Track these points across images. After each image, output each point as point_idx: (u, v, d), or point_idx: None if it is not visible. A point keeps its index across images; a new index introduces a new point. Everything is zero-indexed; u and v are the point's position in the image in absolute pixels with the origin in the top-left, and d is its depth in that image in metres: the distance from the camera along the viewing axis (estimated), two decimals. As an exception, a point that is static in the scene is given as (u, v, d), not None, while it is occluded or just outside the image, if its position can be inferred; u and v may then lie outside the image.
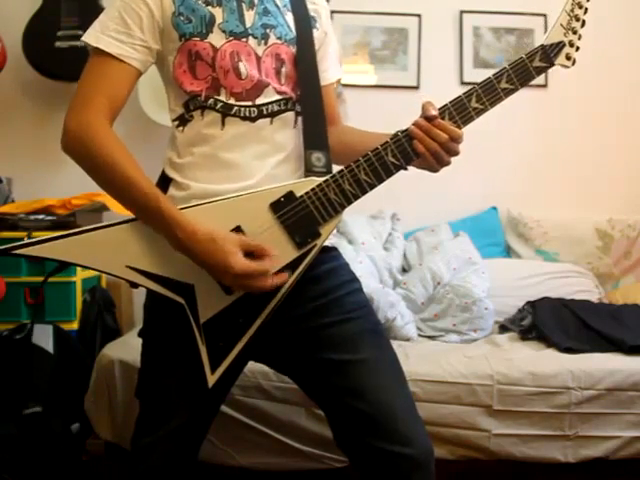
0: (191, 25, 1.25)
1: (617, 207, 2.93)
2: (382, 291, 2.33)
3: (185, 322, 1.23)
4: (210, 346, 1.23)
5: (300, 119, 1.33)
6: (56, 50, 2.57)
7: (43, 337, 2.13)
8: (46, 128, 2.70)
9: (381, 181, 1.24)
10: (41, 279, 2.13)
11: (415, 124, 1.23)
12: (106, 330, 2.39)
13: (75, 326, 2.30)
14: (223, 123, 1.27)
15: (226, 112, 1.26)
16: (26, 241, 1.21)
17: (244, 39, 1.27)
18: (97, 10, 2.40)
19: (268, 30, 1.30)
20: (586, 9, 1.26)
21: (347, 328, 1.30)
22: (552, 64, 1.26)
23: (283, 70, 1.31)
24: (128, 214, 1.24)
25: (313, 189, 1.23)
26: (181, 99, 1.29)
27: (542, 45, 1.25)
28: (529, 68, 1.24)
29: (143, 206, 1.19)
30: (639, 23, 3.01)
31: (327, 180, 1.24)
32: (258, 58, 1.28)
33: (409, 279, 2.52)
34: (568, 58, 1.26)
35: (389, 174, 1.24)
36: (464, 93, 1.23)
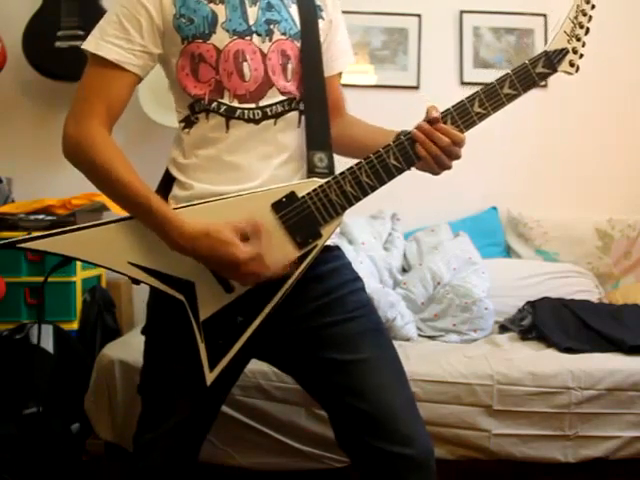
0: (193, 26, 1.24)
1: (617, 207, 2.93)
2: (382, 291, 2.33)
3: (186, 319, 1.24)
4: (209, 344, 1.24)
5: (304, 118, 1.33)
6: (56, 50, 2.56)
7: (43, 337, 2.13)
8: (46, 128, 2.70)
9: (383, 183, 1.24)
10: (41, 279, 2.13)
11: (418, 128, 1.23)
12: (106, 330, 2.40)
13: (75, 326, 2.30)
14: (227, 126, 1.27)
15: (230, 115, 1.26)
16: (31, 236, 1.22)
17: (248, 37, 1.26)
18: (97, 10, 2.38)
19: (272, 26, 1.29)
20: (590, 17, 1.26)
21: (349, 327, 1.30)
22: (555, 71, 1.26)
23: (289, 66, 1.30)
24: (127, 214, 1.25)
25: (315, 190, 1.23)
26: (186, 102, 1.29)
27: (545, 51, 1.26)
28: (532, 74, 1.24)
29: (136, 207, 1.20)
30: (639, 24, 3.01)
31: (329, 181, 1.24)
32: (264, 55, 1.28)
33: (409, 279, 2.52)
34: (572, 65, 1.26)
35: (391, 177, 1.24)
36: (467, 97, 1.24)
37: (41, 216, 2.37)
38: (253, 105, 1.27)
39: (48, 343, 2.14)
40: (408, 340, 2.31)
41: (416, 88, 2.93)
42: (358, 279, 1.39)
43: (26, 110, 2.81)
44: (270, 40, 1.28)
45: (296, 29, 1.32)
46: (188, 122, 1.30)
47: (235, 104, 1.26)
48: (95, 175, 1.22)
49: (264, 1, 1.29)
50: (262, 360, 1.44)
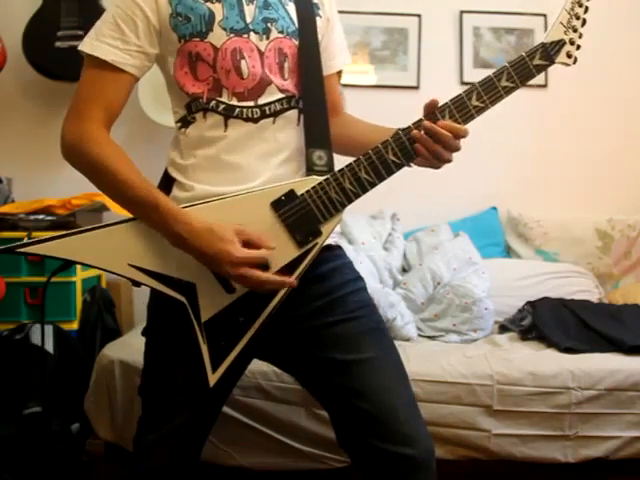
0: (190, 25, 1.24)
1: (617, 207, 2.93)
2: (382, 291, 2.33)
3: (187, 321, 1.24)
4: (211, 345, 1.24)
5: (302, 116, 1.33)
6: (56, 50, 2.56)
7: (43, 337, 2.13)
8: (46, 128, 2.70)
9: (382, 179, 1.24)
10: (41, 279, 2.14)
11: (418, 126, 1.22)
12: (106, 330, 2.39)
13: (75, 326, 2.30)
14: (226, 125, 1.26)
15: (229, 114, 1.26)
16: (30, 240, 1.22)
17: (245, 35, 1.26)
18: (97, 10, 2.38)
19: (269, 24, 1.29)
20: (586, 8, 1.26)
21: (350, 327, 1.30)
22: (552, 62, 1.26)
23: (286, 65, 1.30)
24: (127, 214, 1.25)
25: (314, 187, 1.23)
26: (183, 101, 1.29)
27: (542, 43, 1.25)
28: (529, 66, 1.24)
29: (141, 205, 1.20)
30: (639, 22, 3.01)
31: (328, 178, 1.24)
32: (261, 53, 1.27)
33: (409, 279, 2.52)
34: (569, 56, 1.26)
35: (390, 172, 1.24)
36: (464, 91, 1.23)
37: (41, 216, 2.37)
38: (252, 103, 1.27)
39: (48, 343, 2.14)
40: (408, 340, 2.31)
41: (416, 88, 2.93)
42: (360, 278, 1.38)
43: (26, 110, 2.81)
44: (267, 38, 1.28)
45: (294, 27, 1.31)
46: (185, 122, 1.29)
47: (234, 102, 1.26)
48: (96, 175, 1.22)
49: None
50: (263, 360, 1.44)
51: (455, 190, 2.84)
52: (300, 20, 1.32)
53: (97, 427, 1.97)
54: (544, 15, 2.91)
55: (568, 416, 1.94)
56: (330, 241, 1.32)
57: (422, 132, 1.22)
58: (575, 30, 1.26)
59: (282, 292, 1.24)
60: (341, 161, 1.30)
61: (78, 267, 2.31)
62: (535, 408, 1.93)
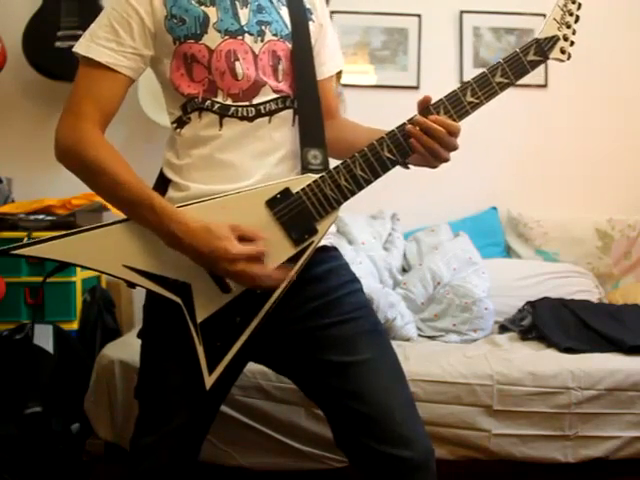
0: (185, 27, 1.24)
1: (617, 207, 2.93)
2: (382, 291, 2.33)
3: (183, 322, 1.23)
4: (207, 346, 1.23)
5: (298, 117, 1.33)
6: (56, 50, 2.56)
7: (43, 337, 2.13)
8: (46, 128, 2.68)
9: (377, 176, 1.23)
10: (41, 279, 2.13)
11: (412, 122, 1.22)
12: (106, 330, 2.39)
13: (75, 326, 2.30)
14: (221, 124, 1.26)
15: (224, 113, 1.26)
16: (25, 242, 1.22)
17: (240, 37, 1.27)
18: (97, 10, 2.39)
19: (263, 27, 1.29)
20: (579, 4, 1.26)
21: (347, 329, 1.29)
22: (547, 58, 1.26)
23: (280, 67, 1.30)
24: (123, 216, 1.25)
25: (309, 185, 1.23)
26: (178, 102, 1.29)
27: (536, 39, 1.25)
28: (523, 62, 1.24)
29: (136, 205, 1.19)
30: (639, 23, 3.01)
31: (323, 176, 1.23)
32: (255, 56, 1.28)
33: (409, 279, 2.52)
34: (563, 52, 1.26)
35: (385, 169, 1.23)
36: (459, 87, 1.23)
37: (41, 216, 2.37)
38: (246, 103, 1.27)
39: (48, 343, 2.14)
40: (408, 340, 2.31)
41: (416, 88, 2.93)
42: (356, 280, 1.38)
43: (26, 110, 2.81)
44: (262, 40, 1.28)
45: (287, 30, 1.32)
46: (180, 122, 1.29)
47: (229, 102, 1.26)
48: (92, 177, 1.22)
49: (255, 3, 1.30)
50: (259, 363, 1.43)
51: (455, 190, 2.84)
52: (293, 24, 1.33)
53: (97, 427, 1.98)
54: (544, 15, 2.86)
55: (568, 416, 1.94)
56: (326, 242, 1.31)
57: (417, 127, 1.21)
58: (569, 26, 1.26)
59: (278, 292, 1.23)
60: (335, 164, 1.30)
61: (83, 269, 2.31)
62: (535, 408, 1.93)
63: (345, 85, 2.77)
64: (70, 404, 2.11)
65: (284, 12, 1.33)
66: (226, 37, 1.26)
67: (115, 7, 1.23)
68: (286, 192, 1.23)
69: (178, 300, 1.23)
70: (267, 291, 1.23)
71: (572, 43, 1.27)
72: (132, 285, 1.24)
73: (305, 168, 1.28)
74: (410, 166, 1.30)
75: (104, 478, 2.07)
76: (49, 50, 2.58)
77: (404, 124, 1.23)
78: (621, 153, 3.02)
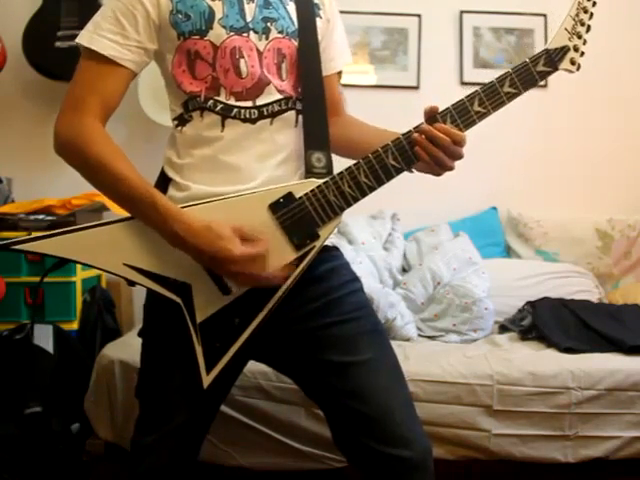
0: (190, 23, 1.23)
1: (617, 207, 2.93)
2: (382, 291, 2.33)
3: (183, 322, 1.23)
4: (206, 346, 1.23)
5: (301, 118, 1.32)
6: (56, 50, 2.57)
7: (43, 337, 2.13)
8: (46, 128, 2.67)
9: (381, 184, 1.23)
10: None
11: (417, 130, 1.22)
12: (106, 330, 2.39)
13: (75, 326, 2.30)
14: (223, 125, 1.26)
15: (226, 114, 1.25)
16: (26, 237, 1.21)
17: (245, 34, 1.25)
18: (97, 10, 2.38)
19: (269, 24, 1.28)
20: (591, 14, 1.25)
21: (347, 329, 1.29)
22: (556, 69, 1.25)
23: (284, 65, 1.29)
24: (127, 214, 1.24)
25: (312, 190, 1.22)
26: (180, 99, 1.28)
27: (546, 49, 1.25)
28: (533, 72, 1.23)
29: (138, 203, 1.18)
30: (639, 22, 3.01)
31: (327, 182, 1.23)
32: (260, 53, 1.27)
33: (409, 279, 2.52)
34: (572, 63, 1.25)
35: (389, 177, 1.23)
36: (467, 96, 1.22)
37: (41, 216, 2.37)
38: (250, 103, 1.26)
39: (48, 343, 2.14)
40: (408, 340, 2.31)
41: (416, 88, 2.93)
42: (356, 280, 1.38)
43: (26, 110, 2.81)
44: (267, 38, 1.27)
45: (293, 27, 1.31)
46: (182, 120, 1.28)
47: (232, 102, 1.25)
48: (93, 173, 1.21)
49: None
50: (259, 361, 1.43)
51: (455, 190, 2.83)
52: (300, 20, 1.31)
53: (97, 427, 1.98)
54: (544, 15, 2.91)
55: (568, 416, 1.94)
56: (327, 242, 1.31)
57: (423, 136, 1.21)
58: (580, 37, 1.25)
59: (278, 294, 1.23)
60: (341, 163, 1.30)
61: (78, 267, 2.31)
62: (535, 408, 1.93)
63: (345, 85, 2.76)
64: (70, 404, 2.11)
65: (291, 8, 1.32)
66: (231, 33, 1.24)
67: None
68: (289, 197, 1.22)
69: (178, 300, 1.23)
70: (268, 292, 1.23)
71: (582, 54, 1.26)
72: (132, 283, 1.24)
73: (309, 171, 1.27)
74: (413, 171, 1.29)
75: (104, 478, 2.07)
76: (49, 50, 2.58)
77: (410, 132, 1.22)
78: (621, 153, 3.02)
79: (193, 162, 1.28)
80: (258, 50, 1.27)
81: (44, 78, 2.65)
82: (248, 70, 1.25)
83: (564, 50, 1.25)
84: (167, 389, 1.31)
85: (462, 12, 2.95)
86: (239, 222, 1.20)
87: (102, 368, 1.96)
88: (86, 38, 1.22)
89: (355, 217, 2.64)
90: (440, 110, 1.22)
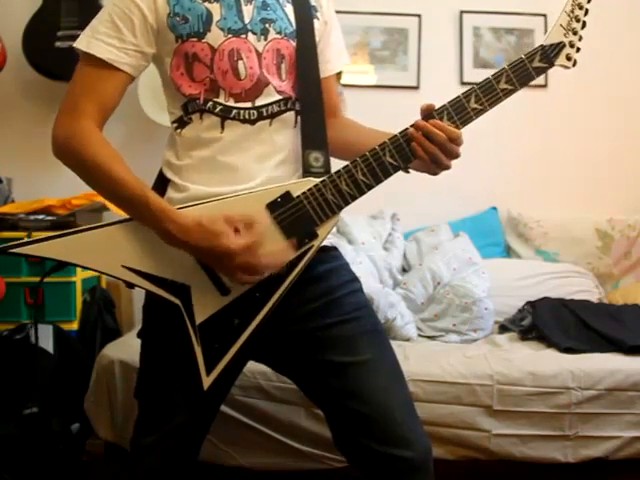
0: (187, 25, 1.23)
1: (617, 207, 2.93)
2: (382, 291, 2.33)
3: (182, 323, 1.23)
4: (206, 348, 1.23)
5: (299, 118, 1.32)
6: (56, 50, 2.56)
7: (43, 337, 2.13)
8: (46, 128, 2.66)
9: (379, 182, 1.23)
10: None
11: (414, 126, 1.22)
12: (106, 330, 2.39)
13: (75, 326, 2.30)
14: (222, 126, 1.26)
15: (225, 116, 1.25)
16: (23, 240, 1.21)
17: (243, 35, 1.26)
18: (97, 10, 2.34)
19: (267, 25, 1.28)
20: (587, 10, 1.25)
21: (347, 329, 1.29)
22: (552, 65, 1.25)
23: (283, 66, 1.29)
24: (126, 215, 1.25)
25: (310, 189, 1.22)
26: (179, 102, 1.28)
27: (542, 45, 1.25)
28: (529, 69, 1.23)
29: (132, 203, 1.19)
30: (639, 23, 3.01)
31: (324, 180, 1.23)
32: (259, 54, 1.27)
33: (409, 279, 2.52)
34: (568, 59, 1.25)
35: (387, 175, 1.23)
36: (463, 93, 1.23)
37: (41, 216, 2.37)
38: (249, 104, 1.26)
39: (48, 343, 2.14)
40: (408, 340, 2.31)
41: (416, 88, 2.93)
42: (356, 280, 1.38)
43: (26, 110, 2.81)
44: (265, 39, 1.28)
45: (291, 28, 1.31)
46: (181, 122, 1.29)
47: (231, 103, 1.26)
48: (89, 173, 1.21)
49: (259, 0, 1.29)
50: (259, 362, 1.43)
51: (455, 190, 2.84)
52: (298, 22, 1.32)
53: (97, 427, 1.98)
54: (544, 15, 2.91)
55: (568, 416, 1.94)
56: (326, 242, 1.31)
57: (419, 132, 1.21)
58: (575, 32, 1.25)
59: (277, 295, 1.23)
60: (339, 163, 1.30)
61: (82, 268, 2.31)
62: (535, 408, 1.93)
63: (345, 85, 2.76)
64: (70, 404, 2.11)
65: (289, 9, 1.32)
66: (229, 35, 1.25)
67: (117, 3, 1.22)
68: (287, 196, 1.22)
69: (177, 301, 1.23)
70: (268, 294, 1.23)
71: (578, 49, 1.26)
72: (131, 285, 1.24)
73: (307, 170, 1.27)
74: (409, 171, 1.29)
75: (104, 478, 2.07)
76: (49, 50, 2.58)
77: (407, 129, 1.23)
78: (621, 153, 3.02)
79: (192, 163, 1.28)
80: (257, 51, 1.27)
81: (44, 78, 2.65)
82: (247, 71, 1.25)
83: (560, 46, 1.25)
84: (166, 390, 1.31)
85: (462, 12, 2.95)
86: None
87: (102, 368, 1.96)
88: (84, 42, 1.23)
89: (355, 217, 2.64)
90: (437, 107, 1.23)
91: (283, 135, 1.30)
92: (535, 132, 2.98)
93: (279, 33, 1.29)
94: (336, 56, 1.43)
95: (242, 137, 1.26)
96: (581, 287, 2.65)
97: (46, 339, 2.14)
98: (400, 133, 1.23)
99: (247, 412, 1.90)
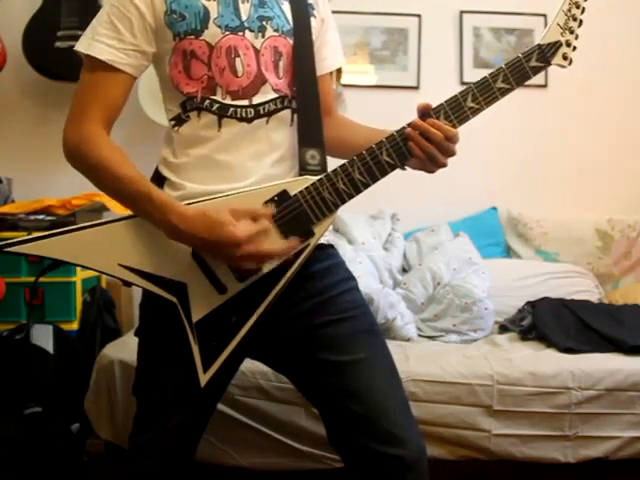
0: (185, 23, 1.23)
1: (617, 207, 2.93)
2: (382, 291, 2.33)
3: (179, 321, 1.23)
4: (202, 345, 1.23)
5: (296, 116, 1.32)
6: (56, 50, 2.56)
7: (43, 337, 2.13)
8: (46, 128, 2.69)
9: (375, 180, 1.23)
10: (41, 279, 2.13)
11: (410, 125, 1.22)
12: (106, 330, 2.40)
13: (75, 326, 2.30)
14: (219, 125, 1.26)
15: (222, 114, 1.26)
16: (19, 239, 1.21)
17: (240, 33, 1.26)
18: (97, 10, 2.34)
19: (264, 22, 1.28)
20: (583, 9, 1.26)
21: (343, 328, 1.30)
22: (549, 64, 1.25)
23: (281, 63, 1.30)
24: (127, 213, 1.25)
25: (307, 188, 1.23)
26: (177, 100, 1.28)
27: (539, 45, 1.25)
28: (525, 68, 1.24)
29: (136, 199, 1.19)
30: (639, 22, 3.01)
31: (321, 179, 1.23)
32: (257, 51, 1.27)
33: (409, 279, 2.52)
34: (565, 58, 1.26)
35: (383, 173, 1.23)
36: (460, 92, 1.23)
37: (41, 216, 2.37)
38: (246, 102, 1.26)
39: (48, 343, 2.14)
40: (408, 340, 2.31)
41: (416, 88, 2.93)
42: (352, 278, 1.38)
43: (26, 110, 2.81)
44: (263, 36, 1.28)
45: (289, 26, 1.31)
46: (179, 120, 1.29)
47: (228, 101, 1.26)
48: (96, 175, 1.22)
49: None
50: (255, 359, 1.43)
51: (455, 190, 2.84)
52: (295, 19, 1.32)
53: (97, 427, 1.97)
54: (544, 15, 2.92)
55: (568, 416, 1.93)
56: (322, 240, 1.31)
57: (416, 131, 1.21)
58: (572, 31, 1.26)
59: (274, 292, 1.23)
60: (336, 161, 1.30)
61: (78, 267, 2.31)
62: (535, 408, 1.93)
63: (345, 85, 2.77)
64: (70, 404, 2.11)
65: (286, 7, 1.32)
66: (227, 33, 1.25)
67: (114, 3, 1.23)
68: (284, 194, 1.22)
69: (174, 299, 1.23)
70: (264, 291, 1.23)
71: (574, 48, 1.26)
72: (128, 284, 1.24)
73: (303, 168, 1.28)
74: (406, 168, 1.29)
75: (104, 478, 2.07)
76: (49, 50, 2.58)
77: (404, 128, 1.23)
78: (621, 153, 3.02)
79: (189, 161, 1.29)
80: (255, 48, 1.27)
81: (44, 78, 2.65)
82: (244, 69, 1.26)
83: (557, 45, 1.25)
84: (163, 388, 1.32)
85: (462, 12, 2.96)
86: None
87: (102, 368, 1.96)
88: (84, 44, 1.24)
89: (355, 217, 2.64)
90: (434, 106, 1.23)
91: (280, 133, 1.30)
92: (535, 132, 2.98)
93: (276, 31, 1.29)
94: (332, 54, 1.43)
95: (239, 135, 1.27)
96: (581, 287, 2.65)
97: (46, 339, 2.14)
98: (397, 132, 1.23)
99: (247, 412, 1.89)
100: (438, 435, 1.89)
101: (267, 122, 1.28)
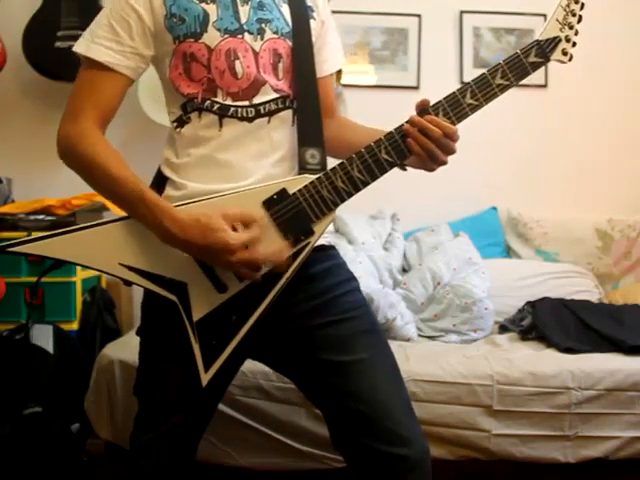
0: (184, 26, 1.24)
1: (617, 207, 2.93)
2: (382, 291, 2.33)
3: (179, 320, 1.23)
4: (203, 344, 1.23)
5: (296, 116, 1.32)
6: (56, 50, 2.56)
7: (43, 337, 2.13)
8: (46, 128, 2.67)
9: (375, 178, 1.23)
10: (41, 279, 2.13)
11: (409, 121, 1.22)
12: (106, 330, 2.40)
13: (75, 326, 2.30)
14: (221, 124, 1.26)
15: (223, 114, 1.26)
16: (20, 239, 1.21)
17: (240, 35, 1.26)
18: (97, 10, 2.34)
19: (264, 25, 1.29)
20: (582, 4, 1.25)
21: (344, 328, 1.30)
22: (548, 59, 1.25)
23: (280, 65, 1.30)
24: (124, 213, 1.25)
25: (306, 186, 1.23)
26: (178, 101, 1.29)
27: (537, 40, 1.25)
28: (524, 64, 1.23)
29: (129, 200, 1.19)
30: (639, 22, 3.01)
31: (320, 177, 1.23)
32: (256, 54, 1.28)
33: (409, 279, 2.52)
34: (564, 53, 1.25)
35: (382, 171, 1.23)
36: (458, 89, 1.23)
37: (41, 216, 2.37)
38: (246, 103, 1.27)
39: (48, 343, 2.14)
40: (408, 340, 2.31)
41: (416, 88, 2.93)
42: (353, 279, 1.38)
43: (26, 110, 2.81)
44: (262, 39, 1.28)
45: (288, 28, 1.32)
46: (180, 122, 1.29)
47: (228, 102, 1.26)
48: (89, 174, 1.22)
49: (255, 0, 1.29)
50: (257, 360, 1.43)
51: (455, 190, 2.84)
52: (294, 22, 1.32)
53: (97, 427, 1.97)
54: (544, 15, 2.91)
55: (568, 416, 1.94)
56: (323, 241, 1.31)
57: (414, 127, 1.21)
58: (571, 27, 1.25)
59: (275, 291, 1.23)
60: (334, 163, 1.30)
61: (78, 267, 2.31)
62: (535, 408, 1.93)
63: (345, 85, 2.77)
64: (70, 404, 2.11)
65: (285, 9, 1.33)
66: (226, 36, 1.25)
67: (114, 6, 1.24)
68: (283, 193, 1.22)
69: (174, 299, 1.24)
70: (265, 291, 1.23)
71: (574, 44, 1.25)
72: (128, 283, 1.24)
73: (303, 167, 1.28)
74: (406, 168, 1.29)
75: (104, 478, 2.07)
76: (49, 50, 2.57)
77: (402, 125, 1.23)
78: (621, 153, 3.02)
79: (190, 161, 1.29)
80: (254, 50, 1.27)
81: (44, 78, 2.65)
82: (244, 71, 1.26)
83: (556, 41, 1.24)
84: (164, 387, 1.32)
85: (462, 12, 2.96)
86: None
87: (102, 368, 1.96)
88: (83, 46, 1.25)
89: (355, 217, 2.64)
90: (432, 103, 1.23)
91: (281, 133, 1.30)
92: (535, 132, 2.98)
93: (275, 33, 1.30)
94: (332, 56, 1.43)
95: (240, 135, 1.27)
96: (581, 287, 2.65)
97: (46, 339, 2.14)
98: (395, 129, 1.23)
99: (247, 412, 1.90)
100: (438, 435, 1.89)
101: (269, 122, 1.29)
